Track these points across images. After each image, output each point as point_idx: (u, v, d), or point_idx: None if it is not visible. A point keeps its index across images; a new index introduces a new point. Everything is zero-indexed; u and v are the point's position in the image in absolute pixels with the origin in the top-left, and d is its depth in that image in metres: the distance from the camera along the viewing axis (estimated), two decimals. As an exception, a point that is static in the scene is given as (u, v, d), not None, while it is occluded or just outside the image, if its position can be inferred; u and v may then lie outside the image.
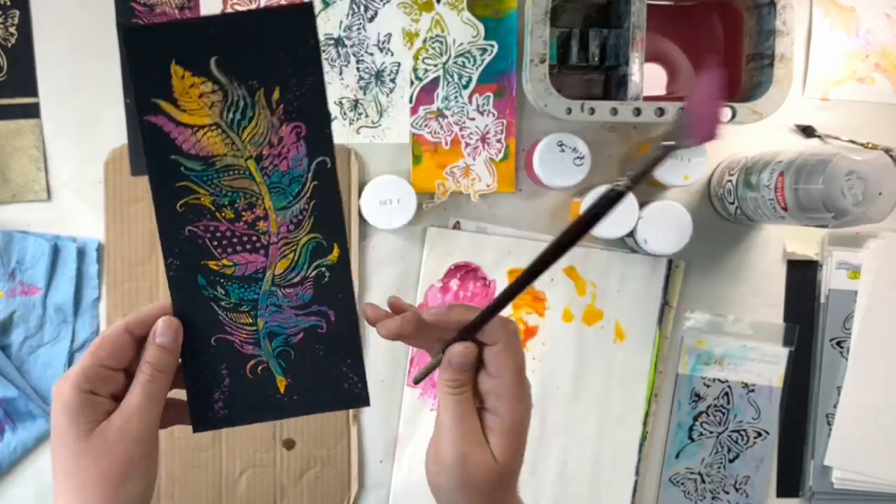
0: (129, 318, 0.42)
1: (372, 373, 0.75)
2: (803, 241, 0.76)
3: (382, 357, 0.75)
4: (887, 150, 0.73)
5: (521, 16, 0.73)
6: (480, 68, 0.73)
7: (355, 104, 0.74)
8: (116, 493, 0.40)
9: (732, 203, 0.71)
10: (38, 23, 0.72)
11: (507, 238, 0.75)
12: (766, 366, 0.76)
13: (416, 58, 0.73)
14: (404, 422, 0.75)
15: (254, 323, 0.44)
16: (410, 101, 0.74)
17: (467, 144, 0.74)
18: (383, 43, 0.73)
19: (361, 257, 0.74)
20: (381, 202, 0.71)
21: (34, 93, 0.72)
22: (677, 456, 0.77)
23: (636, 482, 0.76)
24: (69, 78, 0.72)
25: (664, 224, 0.70)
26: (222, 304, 0.44)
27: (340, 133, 0.74)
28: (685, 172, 0.70)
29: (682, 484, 0.77)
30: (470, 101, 0.73)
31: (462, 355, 0.44)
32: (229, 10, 0.72)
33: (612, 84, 0.71)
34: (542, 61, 0.65)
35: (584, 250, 0.75)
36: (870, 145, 0.75)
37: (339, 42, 0.73)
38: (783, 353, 0.76)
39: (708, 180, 0.76)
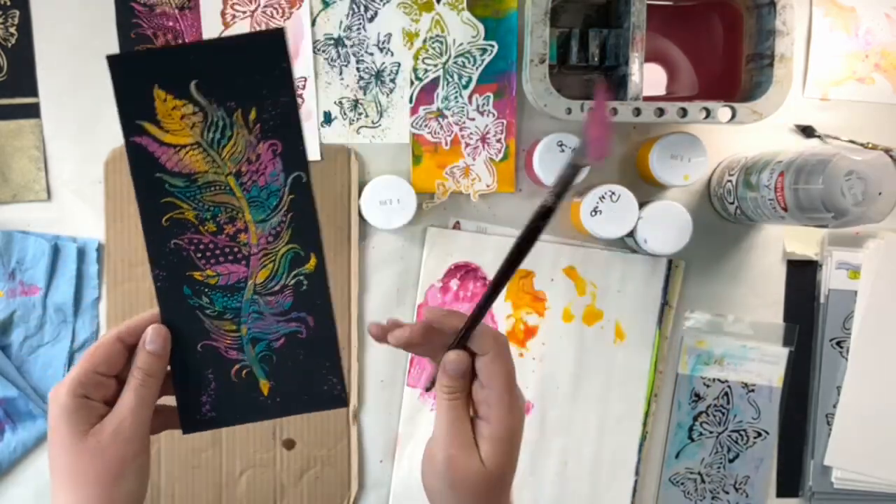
0: (120, 327, 0.45)
1: (372, 373, 0.75)
2: (803, 241, 0.76)
3: (382, 357, 0.75)
4: (887, 150, 0.73)
5: (521, 16, 0.73)
6: (480, 68, 0.73)
7: (355, 104, 0.74)
8: (112, 491, 0.43)
9: (732, 203, 0.71)
10: (38, 23, 0.72)
11: (507, 238, 0.75)
12: (766, 366, 0.76)
13: (416, 58, 0.73)
14: (404, 422, 0.75)
15: (237, 329, 0.47)
16: (410, 101, 0.74)
17: (467, 144, 0.74)
18: (383, 43, 0.73)
19: (361, 257, 0.74)
20: (381, 202, 0.71)
21: (34, 93, 0.72)
22: (677, 456, 0.77)
23: (636, 482, 0.76)
24: (69, 78, 0.72)
25: (664, 224, 0.70)
26: (207, 312, 0.46)
27: (340, 133, 0.74)
28: (685, 172, 0.70)
29: (682, 484, 0.77)
30: (470, 101, 0.73)
31: (455, 362, 0.46)
32: (229, 10, 0.72)
33: (612, 84, 0.71)
34: (542, 61, 0.65)
35: (584, 250, 0.75)
36: (870, 145, 0.75)
37: (339, 42, 0.73)
38: (783, 353, 0.76)
39: (708, 180, 0.76)
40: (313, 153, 0.73)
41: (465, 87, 0.73)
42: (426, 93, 0.73)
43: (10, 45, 0.72)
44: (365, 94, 0.74)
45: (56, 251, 0.72)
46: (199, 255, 0.45)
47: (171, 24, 0.72)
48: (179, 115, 0.44)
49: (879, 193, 0.58)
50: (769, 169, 0.65)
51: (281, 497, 0.74)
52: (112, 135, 0.72)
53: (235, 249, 0.46)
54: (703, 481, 0.77)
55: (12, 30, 0.72)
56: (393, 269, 0.75)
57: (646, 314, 0.75)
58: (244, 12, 0.72)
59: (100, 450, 0.43)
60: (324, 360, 0.47)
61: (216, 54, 0.43)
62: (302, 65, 0.73)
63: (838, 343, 0.76)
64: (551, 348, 0.75)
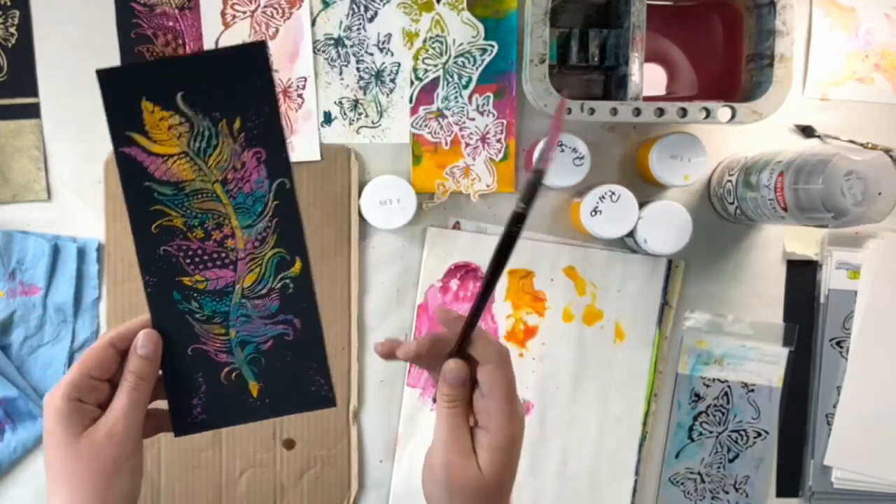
0: (112, 333, 0.46)
1: (372, 373, 0.75)
2: (803, 241, 0.76)
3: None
4: (887, 150, 0.73)
5: (520, 16, 0.73)
6: (480, 68, 0.73)
7: (355, 104, 0.74)
8: (106, 490, 0.44)
9: (732, 203, 0.71)
10: (38, 23, 0.72)
11: (507, 238, 0.75)
12: (766, 366, 0.76)
13: (416, 58, 0.73)
14: (404, 422, 0.75)
15: (226, 333, 0.48)
16: (410, 101, 0.74)
17: (467, 144, 0.74)
18: (383, 43, 0.73)
19: (361, 257, 0.74)
20: (381, 202, 0.71)
21: (34, 93, 0.72)
22: (677, 456, 0.77)
23: (636, 482, 0.76)
24: (69, 78, 0.72)
25: (664, 224, 0.70)
26: (197, 316, 0.47)
27: (340, 133, 0.74)
28: (685, 172, 0.70)
29: (682, 484, 0.77)
30: (470, 102, 0.74)
31: (454, 371, 0.47)
32: (229, 10, 0.72)
33: (612, 84, 0.71)
34: (542, 61, 0.65)
35: (584, 250, 0.75)
36: (869, 145, 0.75)
37: (339, 42, 0.73)
38: (783, 353, 0.76)
39: (708, 180, 0.76)
40: (313, 153, 0.73)
41: (465, 87, 0.73)
42: (426, 93, 0.74)
43: (10, 45, 0.72)
44: (365, 94, 0.74)
45: (56, 251, 0.72)
46: (188, 260, 0.47)
47: (171, 24, 0.72)
48: (167, 126, 0.45)
49: (879, 193, 0.58)
50: (769, 169, 0.65)
51: (281, 497, 0.74)
52: (112, 135, 0.72)
53: (223, 255, 0.47)
54: (702, 481, 0.77)
55: (12, 30, 0.72)
56: (393, 269, 0.75)
57: (646, 314, 0.75)
58: (244, 12, 0.72)
59: (94, 451, 0.44)
60: (311, 362, 0.48)
61: (201, 67, 0.45)
62: (302, 65, 0.73)
63: (838, 343, 0.76)
64: (551, 348, 0.75)
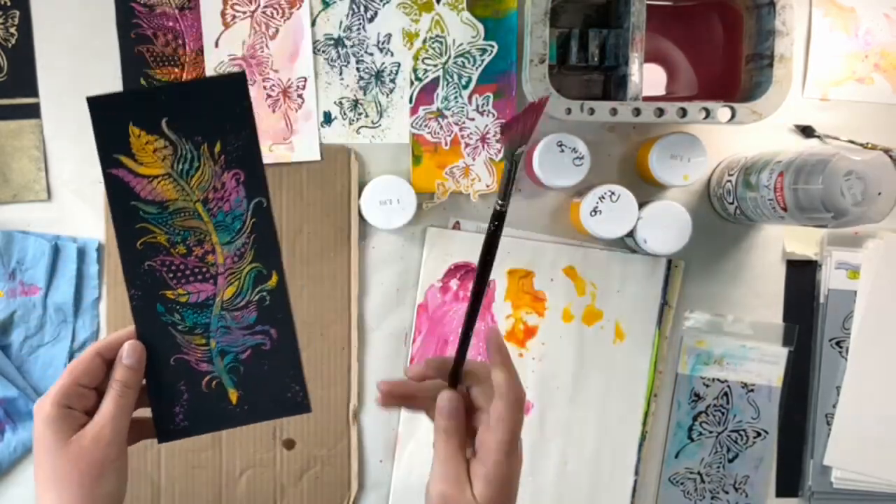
0: (99, 344, 0.49)
1: (372, 373, 0.75)
2: (803, 241, 0.76)
3: (382, 357, 0.75)
4: (886, 151, 0.73)
5: (520, 16, 0.73)
6: (480, 68, 0.73)
7: (355, 104, 0.74)
8: (93, 491, 0.46)
9: (732, 203, 0.71)
10: (38, 23, 0.72)
11: (507, 238, 0.75)
12: (766, 366, 0.76)
13: (415, 58, 0.73)
14: (404, 422, 0.75)
15: (207, 343, 0.50)
16: (410, 102, 0.74)
17: (467, 144, 0.74)
18: (383, 43, 0.73)
19: (361, 257, 0.74)
20: (381, 202, 0.71)
21: (34, 93, 0.72)
22: (677, 456, 0.77)
23: (636, 482, 0.76)
24: (69, 78, 0.72)
25: (664, 224, 0.70)
26: (179, 328, 0.50)
27: (340, 133, 0.74)
28: (685, 172, 0.70)
29: (682, 484, 0.77)
30: (470, 102, 0.74)
31: (448, 401, 0.49)
32: (229, 10, 0.72)
33: (612, 84, 0.71)
34: (542, 61, 0.65)
35: (583, 250, 0.75)
36: (869, 145, 0.75)
37: (339, 42, 0.73)
38: (782, 352, 0.76)
39: (707, 180, 0.76)
40: (313, 153, 0.73)
41: (465, 87, 0.73)
42: (426, 93, 0.74)
43: (10, 45, 0.72)
44: (365, 94, 0.74)
45: (56, 251, 0.72)
46: (171, 275, 0.49)
47: (171, 24, 0.72)
48: (152, 149, 0.48)
49: (879, 193, 0.58)
50: (769, 169, 0.65)
51: (281, 497, 0.74)
52: (112, 135, 0.72)
53: (204, 269, 0.50)
54: (702, 481, 0.77)
55: (12, 30, 0.72)
56: (393, 269, 0.75)
57: (645, 314, 0.75)
58: (244, 12, 0.72)
59: (82, 454, 0.46)
60: (287, 370, 0.51)
61: (185, 95, 0.48)
62: (302, 65, 0.73)
63: (838, 343, 0.76)
64: (551, 348, 0.75)
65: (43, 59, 0.72)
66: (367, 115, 0.74)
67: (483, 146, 0.74)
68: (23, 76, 0.72)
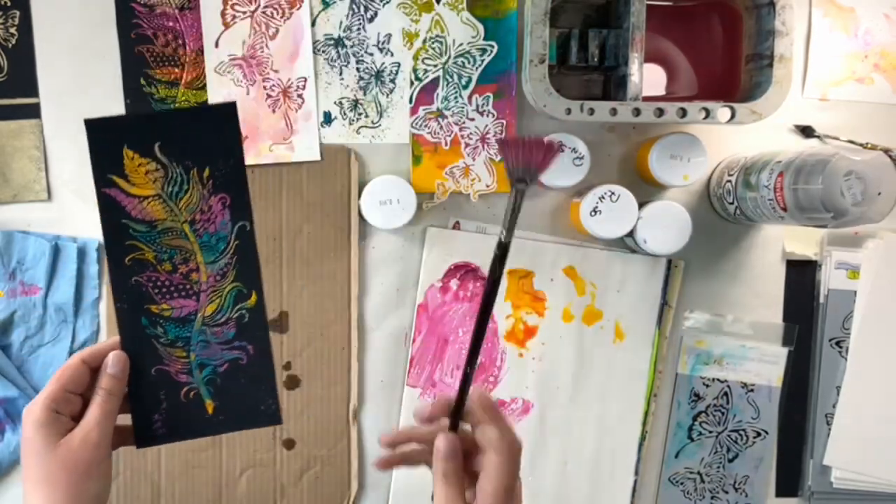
0: (85, 352, 0.51)
1: (372, 373, 0.75)
2: (802, 241, 0.76)
3: (382, 357, 0.75)
4: (886, 151, 0.73)
5: (520, 16, 0.73)
6: (480, 68, 0.73)
7: (355, 104, 0.74)
8: (80, 492, 0.48)
9: (732, 203, 0.71)
10: (38, 23, 0.72)
11: (507, 238, 0.75)
12: (766, 366, 0.76)
13: (415, 58, 0.73)
14: (404, 422, 0.75)
15: (187, 356, 0.53)
16: (410, 102, 0.74)
17: (467, 145, 0.74)
18: (383, 43, 0.73)
19: (361, 257, 0.74)
20: (381, 202, 0.71)
21: (35, 93, 0.72)
22: (677, 455, 0.77)
23: (636, 482, 0.76)
24: (69, 78, 0.72)
25: (664, 224, 0.71)
26: (161, 340, 0.52)
27: (340, 133, 0.74)
28: (684, 172, 0.70)
29: (682, 483, 0.77)
30: (470, 102, 0.74)
31: (445, 443, 0.50)
32: (229, 10, 0.72)
33: (612, 84, 0.71)
34: (542, 62, 0.65)
35: (583, 250, 0.75)
36: (869, 145, 0.75)
37: (339, 42, 0.73)
38: (782, 352, 0.76)
39: (707, 180, 0.76)
40: (313, 153, 0.73)
41: (465, 87, 0.73)
42: (426, 93, 0.74)
43: (10, 45, 0.72)
44: (365, 94, 0.74)
45: (56, 251, 0.72)
46: (156, 290, 0.52)
47: (171, 24, 0.72)
48: (144, 171, 0.51)
49: (879, 193, 0.58)
50: (768, 169, 0.65)
51: (281, 497, 0.74)
52: (112, 135, 0.72)
53: (188, 286, 0.52)
54: (702, 481, 0.77)
55: (12, 30, 0.72)
56: (393, 269, 0.75)
57: (645, 314, 0.75)
58: (244, 12, 0.72)
59: (70, 456, 0.48)
60: (261, 384, 0.54)
61: (178, 121, 0.51)
62: (302, 65, 0.73)
63: (838, 343, 0.76)
64: (551, 348, 0.75)
65: (43, 59, 0.72)
66: (367, 115, 0.74)
67: (483, 146, 0.74)
68: (23, 76, 0.72)
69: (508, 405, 0.76)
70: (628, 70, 0.66)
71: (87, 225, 0.73)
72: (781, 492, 0.78)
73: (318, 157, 0.73)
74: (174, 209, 0.51)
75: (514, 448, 0.49)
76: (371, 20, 0.73)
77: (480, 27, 0.73)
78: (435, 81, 0.73)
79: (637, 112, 0.65)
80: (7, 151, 0.72)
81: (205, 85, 0.72)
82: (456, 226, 0.75)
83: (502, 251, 0.52)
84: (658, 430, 0.77)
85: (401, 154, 0.74)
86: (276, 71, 0.73)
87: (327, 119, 0.74)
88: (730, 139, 0.75)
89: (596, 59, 0.70)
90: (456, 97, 0.73)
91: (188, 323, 0.53)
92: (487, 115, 0.74)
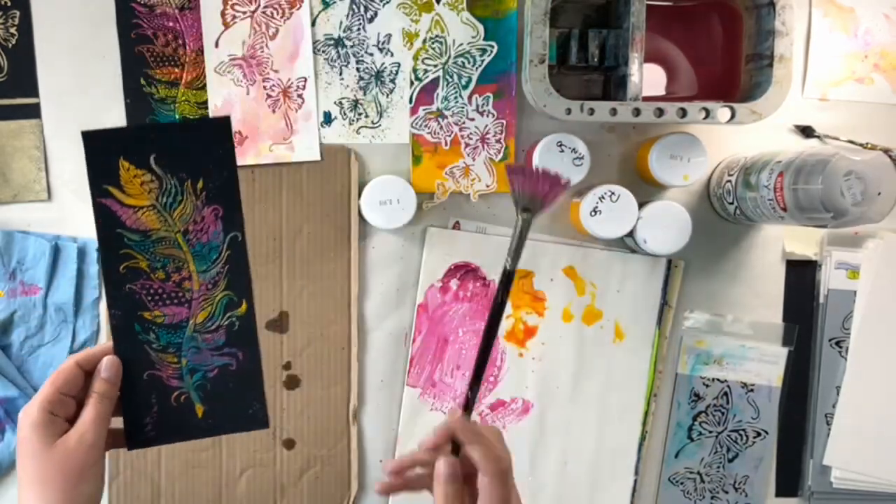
0: (79, 356, 0.53)
1: (372, 373, 0.75)
2: (802, 241, 0.76)
3: (382, 357, 0.75)
4: (886, 151, 0.74)
5: (520, 16, 0.73)
6: (480, 69, 0.73)
7: (355, 104, 0.74)
8: (74, 491, 0.50)
9: (732, 203, 0.71)
10: (38, 23, 0.72)
11: (507, 238, 0.75)
12: (766, 365, 0.76)
13: (415, 58, 0.73)
14: (404, 422, 0.75)
15: (178, 361, 0.55)
16: (410, 102, 0.74)
17: (467, 145, 0.74)
18: (383, 43, 0.73)
19: (361, 257, 0.74)
20: (381, 202, 0.71)
21: (35, 93, 0.72)
22: (676, 455, 0.77)
23: (635, 482, 0.76)
24: (69, 78, 0.72)
25: (663, 224, 0.71)
26: (153, 346, 0.54)
27: (340, 133, 0.74)
28: (684, 173, 0.70)
29: (682, 483, 0.77)
30: (470, 102, 0.74)
31: (445, 466, 0.51)
32: (229, 10, 0.72)
33: (612, 84, 0.71)
34: (542, 62, 0.65)
35: (583, 250, 0.75)
36: (869, 145, 0.75)
37: (338, 42, 0.73)
38: (782, 352, 0.76)
39: (707, 180, 0.76)
40: (313, 153, 0.73)
41: (465, 87, 0.73)
42: (426, 93, 0.74)
43: (10, 45, 0.72)
44: (365, 94, 0.74)
45: (56, 251, 0.72)
46: (150, 298, 0.54)
47: (171, 24, 0.72)
48: (139, 182, 0.52)
49: (878, 193, 0.58)
50: (768, 169, 0.65)
51: (281, 497, 0.74)
52: (112, 135, 0.73)
53: (180, 294, 0.54)
54: (702, 481, 0.77)
55: (12, 30, 0.72)
56: (393, 269, 0.75)
57: (645, 314, 0.76)
58: (244, 12, 0.72)
59: (66, 456, 0.49)
60: (250, 389, 0.55)
61: (173, 134, 0.52)
62: (302, 65, 0.73)
63: (837, 343, 0.76)
64: (551, 348, 0.75)
65: (43, 59, 0.72)
66: (367, 115, 0.74)
67: (483, 146, 0.74)
68: (23, 76, 0.72)
69: (508, 405, 0.76)
70: (628, 70, 0.66)
71: (87, 225, 0.73)
72: (781, 492, 0.78)
73: (318, 157, 0.73)
74: (168, 219, 0.53)
75: (500, 466, 0.50)
76: (371, 20, 0.73)
77: (480, 27, 0.73)
78: (435, 81, 0.74)
79: (637, 112, 0.65)
80: (7, 151, 0.72)
81: (205, 85, 0.73)
82: (456, 226, 0.75)
83: (507, 279, 0.54)
84: (658, 430, 0.77)
85: (401, 154, 0.74)
86: (276, 71, 0.73)
87: (327, 119, 0.74)
88: (730, 139, 0.75)
89: (596, 59, 0.70)
90: (456, 97, 0.74)
91: (180, 329, 0.54)
92: (487, 115, 0.74)
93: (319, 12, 0.73)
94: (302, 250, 0.74)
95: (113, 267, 0.53)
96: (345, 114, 0.74)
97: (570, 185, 0.58)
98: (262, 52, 0.73)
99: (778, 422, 0.77)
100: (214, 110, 0.73)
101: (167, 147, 0.52)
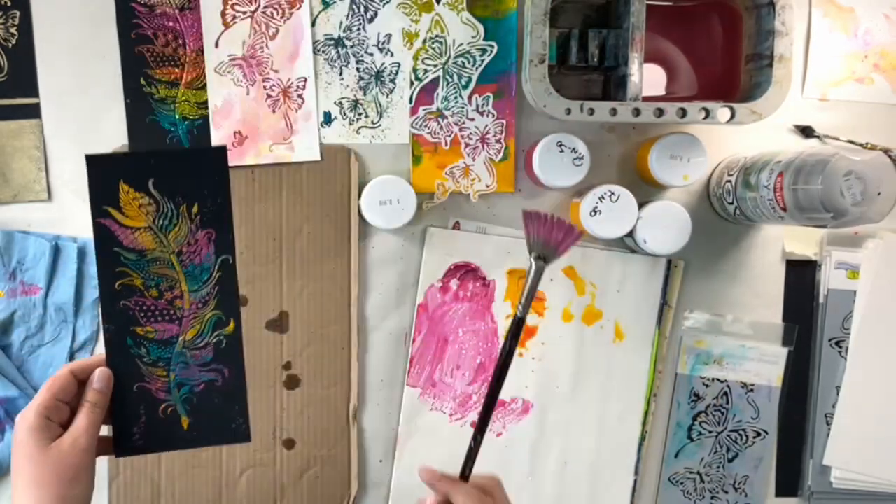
0: (73, 365, 0.55)
1: (372, 373, 0.75)
2: (802, 241, 0.76)
3: (382, 357, 0.75)
4: (886, 151, 0.74)
5: (520, 16, 0.73)
6: (480, 69, 0.73)
7: (355, 104, 0.74)
8: (68, 492, 0.52)
9: (731, 203, 0.71)
10: (38, 23, 0.72)
11: (507, 238, 0.75)
12: (765, 365, 0.76)
13: (415, 58, 0.73)
14: (404, 422, 0.75)
15: (167, 375, 0.57)
16: (410, 102, 0.74)
17: (467, 145, 0.74)
18: (383, 43, 0.73)
19: (362, 257, 0.74)
20: (381, 202, 0.71)
21: (35, 93, 0.72)
22: (676, 455, 0.77)
23: (635, 482, 0.76)
24: (69, 78, 0.72)
25: (663, 224, 0.71)
26: (144, 360, 0.57)
27: (340, 133, 0.74)
28: (684, 173, 0.70)
29: (682, 483, 0.77)
30: (469, 102, 0.74)
31: None
32: (229, 10, 0.72)
33: (612, 84, 0.71)
34: (542, 62, 0.65)
35: (583, 250, 0.75)
36: (868, 145, 0.75)
37: (339, 42, 0.73)
38: (782, 352, 0.76)
39: (707, 180, 0.76)
40: (313, 153, 0.73)
41: (465, 87, 0.73)
42: (426, 93, 0.74)
43: (10, 45, 0.72)
44: (365, 94, 0.74)
45: (57, 251, 0.72)
46: (142, 314, 0.56)
47: (171, 24, 0.72)
48: (138, 205, 0.55)
49: (878, 193, 0.59)
50: (768, 169, 0.65)
51: (281, 497, 0.74)
52: (112, 135, 0.73)
53: (171, 312, 0.57)
54: (702, 481, 0.77)
55: (13, 30, 0.72)
56: (393, 269, 0.75)
57: (645, 314, 0.76)
58: (244, 12, 0.72)
59: (60, 459, 0.52)
60: (234, 404, 0.58)
61: (171, 161, 0.55)
62: (302, 65, 0.73)
63: (837, 343, 0.76)
64: (551, 348, 0.75)
65: (43, 59, 0.72)
66: (367, 115, 0.74)
67: (483, 146, 0.74)
68: (23, 76, 0.72)
69: (508, 405, 0.76)
70: (628, 70, 0.66)
71: (87, 225, 0.72)
72: (781, 492, 0.78)
73: (318, 157, 0.73)
74: (163, 240, 0.56)
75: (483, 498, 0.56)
76: (371, 20, 0.73)
77: (480, 27, 0.73)
78: (435, 81, 0.74)
79: (637, 112, 0.65)
80: (7, 151, 0.72)
81: (205, 85, 0.73)
82: (456, 226, 0.75)
83: (517, 327, 0.57)
84: (658, 430, 0.77)
85: (401, 154, 0.74)
86: (276, 71, 0.73)
87: (327, 119, 0.74)
88: (730, 139, 0.75)
89: (596, 59, 0.70)
90: (456, 97, 0.74)
91: (170, 345, 0.57)
92: (487, 115, 0.74)
93: (319, 12, 0.73)
94: (302, 250, 0.74)
95: (109, 283, 0.56)
96: (345, 114, 0.74)
97: (583, 235, 0.61)
98: (262, 52, 0.73)
99: (778, 422, 0.77)
100: (214, 110, 0.73)
101: (166, 172, 0.55)
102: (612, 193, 0.70)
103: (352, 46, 0.73)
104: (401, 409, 0.75)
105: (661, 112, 0.65)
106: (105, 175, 0.54)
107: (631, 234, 0.71)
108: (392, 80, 0.74)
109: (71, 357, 0.73)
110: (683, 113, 0.65)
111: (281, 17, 0.72)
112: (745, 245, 0.76)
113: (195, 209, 0.56)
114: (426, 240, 0.75)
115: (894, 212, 0.60)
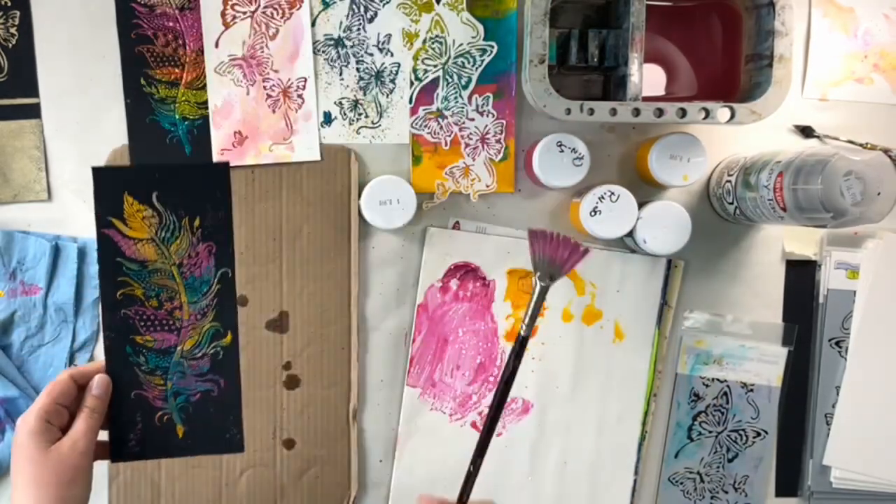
0: (73, 370, 0.57)
1: (372, 373, 0.75)
2: (802, 241, 0.76)
3: (382, 357, 0.75)
4: (886, 151, 0.74)
5: (520, 16, 0.73)
6: (480, 69, 0.73)
7: (355, 104, 0.74)
8: (66, 492, 0.54)
9: (731, 203, 0.71)
10: (38, 23, 0.72)
11: (507, 238, 0.75)
12: (765, 365, 0.76)
13: (415, 58, 0.73)
14: (404, 422, 0.75)
15: (164, 384, 0.59)
16: (410, 102, 0.74)
17: (467, 145, 0.74)
18: (383, 43, 0.73)
19: (362, 257, 0.74)
20: (381, 202, 0.71)
21: (35, 93, 0.72)
22: (676, 455, 0.77)
23: (635, 482, 0.76)
24: (69, 78, 0.72)
25: (663, 224, 0.71)
26: (142, 368, 0.58)
27: (340, 133, 0.74)
28: (684, 173, 0.70)
29: (682, 483, 0.77)
30: (469, 102, 0.74)
31: None
32: (229, 10, 0.72)
33: (612, 84, 0.71)
34: (542, 62, 0.65)
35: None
36: (868, 145, 0.75)
37: (338, 42, 0.73)
38: (782, 352, 0.76)
39: (707, 180, 0.76)
40: (313, 153, 0.73)
41: (465, 87, 0.74)
42: (426, 93, 0.74)
43: (10, 45, 0.72)
44: (365, 94, 0.74)
45: (57, 251, 0.72)
46: (142, 323, 0.58)
47: (171, 24, 0.72)
48: (141, 217, 0.57)
49: (878, 193, 0.59)
50: (768, 169, 0.65)
51: (281, 497, 0.74)
52: (112, 135, 0.73)
53: (171, 322, 0.58)
54: (702, 481, 0.77)
55: (13, 30, 0.72)
56: (393, 269, 0.75)
57: (645, 314, 0.76)
58: (244, 13, 0.72)
59: (59, 461, 0.54)
60: (229, 414, 0.60)
61: (175, 175, 0.57)
62: (302, 65, 0.73)
63: (837, 343, 0.76)
64: (551, 348, 0.75)
65: (43, 59, 0.72)
66: (367, 116, 0.74)
67: (483, 146, 0.74)
68: (23, 76, 0.72)
69: (508, 405, 0.76)
70: (628, 70, 0.66)
71: (87, 225, 0.73)
72: (781, 492, 0.78)
73: (318, 157, 0.73)
74: (165, 252, 0.57)
75: None
76: (371, 20, 0.73)
77: (480, 27, 0.73)
78: (435, 81, 0.74)
79: (637, 112, 0.65)
80: (7, 151, 0.72)
81: (205, 85, 0.73)
82: (456, 226, 0.75)
83: (521, 346, 0.57)
84: (658, 430, 0.77)
85: (401, 154, 0.74)
86: (276, 71, 0.73)
87: (327, 119, 0.74)
88: (729, 139, 0.75)
89: (596, 59, 0.70)
90: (456, 97, 0.74)
91: (168, 354, 0.58)
92: (487, 116, 0.74)
93: (319, 12, 0.73)
94: (302, 250, 0.74)
95: (110, 292, 0.57)
96: (345, 114, 0.74)
97: (588, 252, 0.62)
98: (262, 52, 0.73)
99: (778, 422, 0.77)
100: (214, 110, 0.73)
101: (169, 186, 0.56)
102: (612, 193, 0.70)
103: (352, 46, 0.73)
104: (401, 409, 0.75)
105: (660, 112, 0.65)
106: (110, 187, 0.56)
107: (631, 234, 0.71)
108: (392, 80, 0.74)
109: (71, 357, 0.73)
110: (683, 113, 0.65)
111: (281, 18, 0.72)
112: (745, 245, 0.76)
113: (197, 223, 0.57)
114: (426, 240, 0.75)
115: (894, 212, 0.60)
